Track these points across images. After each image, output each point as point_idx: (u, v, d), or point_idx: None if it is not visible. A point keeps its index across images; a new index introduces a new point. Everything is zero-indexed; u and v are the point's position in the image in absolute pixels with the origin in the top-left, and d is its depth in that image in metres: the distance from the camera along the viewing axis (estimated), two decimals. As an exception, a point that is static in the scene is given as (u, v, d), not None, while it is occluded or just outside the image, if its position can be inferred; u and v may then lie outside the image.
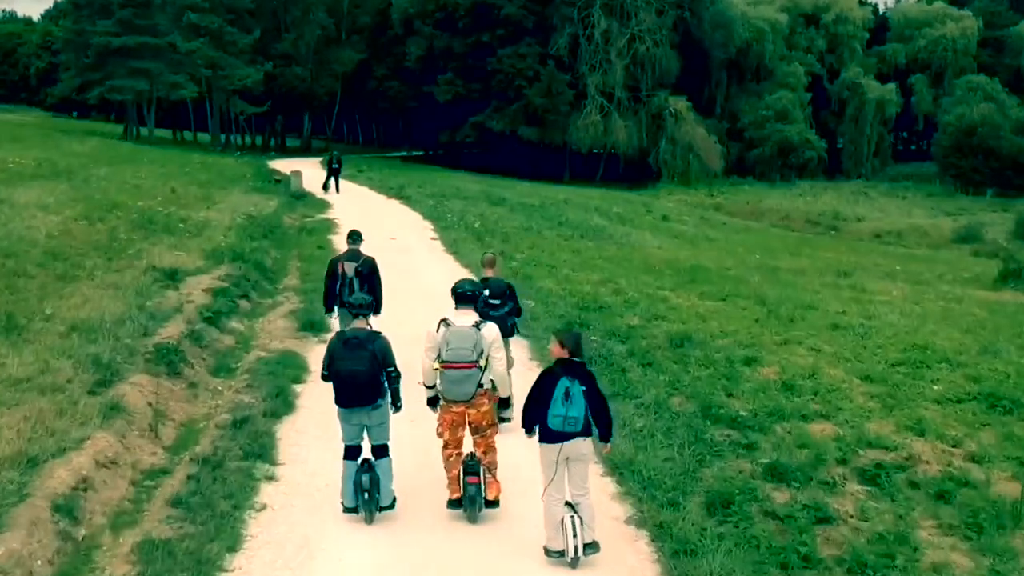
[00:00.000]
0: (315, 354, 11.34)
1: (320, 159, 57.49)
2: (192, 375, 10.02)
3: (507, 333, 8.92)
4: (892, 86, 75.19)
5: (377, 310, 9.92)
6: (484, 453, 7.43)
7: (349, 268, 10.49)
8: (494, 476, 7.45)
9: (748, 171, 69.91)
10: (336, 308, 10.63)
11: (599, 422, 6.68)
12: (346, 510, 7.22)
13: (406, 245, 21.75)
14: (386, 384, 7.11)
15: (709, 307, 16.60)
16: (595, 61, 62.24)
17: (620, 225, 32.27)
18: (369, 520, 7.20)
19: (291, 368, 10.68)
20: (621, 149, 63.05)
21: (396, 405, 7.27)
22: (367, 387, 7.00)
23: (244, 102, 57.77)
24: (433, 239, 23.56)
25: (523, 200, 38.27)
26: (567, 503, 6.66)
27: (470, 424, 7.34)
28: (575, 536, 6.51)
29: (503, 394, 7.70)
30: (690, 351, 12.78)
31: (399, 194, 35.20)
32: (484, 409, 7.33)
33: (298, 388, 10.19)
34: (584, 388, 6.50)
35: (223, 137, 64.99)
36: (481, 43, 61.78)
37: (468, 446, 7.44)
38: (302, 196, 32.70)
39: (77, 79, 51.08)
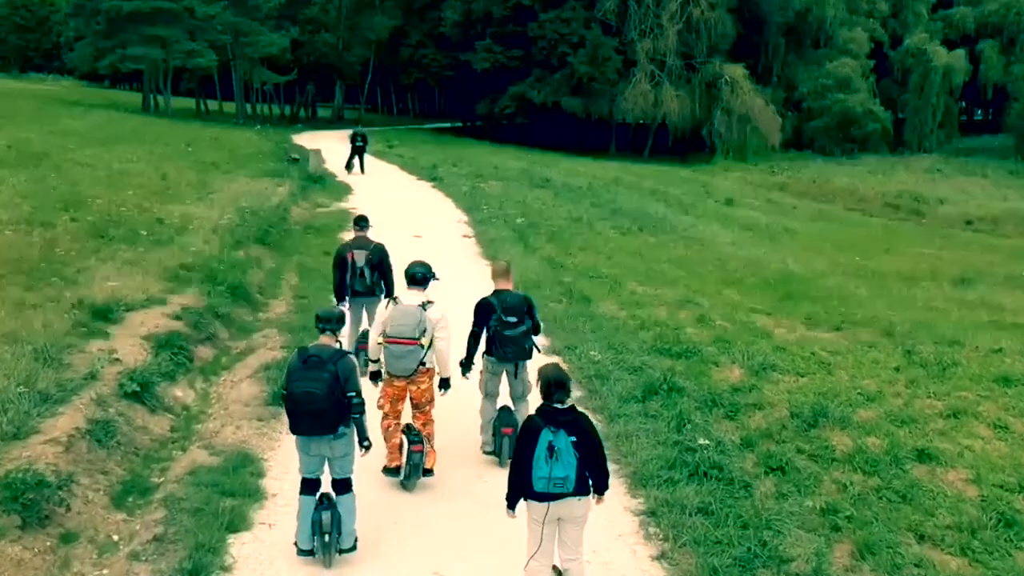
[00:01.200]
0: (281, 455, 7.61)
1: (350, 132, 54.07)
2: (70, 519, 6.27)
3: (526, 356, 8.06)
4: (960, 52, 69.52)
5: (388, 294, 9.57)
6: (423, 425, 7.60)
7: (360, 257, 9.96)
8: (432, 447, 7.64)
9: (805, 144, 65.11)
10: (348, 299, 9.90)
11: (592, 476, 5.65)
12: (300, 552, 6.29)
13: (434, 247, 17.85)
14: (351, 416, 6.21)
15: (825, 344, 12.60)
16: (645, 26, 57.48)
17: (682, 213, 28.15)
18: (328, 564, 6.32)
19: (234, 494, 6.89)
20: (672, 121, 58.40)
21: (363, 443, 6.32)
22: (325, 413, 6.09)
23: (268, 71, 53.98)
24: (467, 237, 19.71)
25: (569, 181, 34.23)
26: (554, 567, 5.84)
27: (411, 399, 7.55)
28: None
29: (443, 374, 7.56)
30: (828, 434, 8.89)
31: (431, 175, 31.37)
32: (424, 387, 7.52)
33: (237, 547, 6.38)
34: (573, 439, 5.49)
35: (248, 108, 61.42)
36: (522, 7, 57.31)
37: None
38: (320, 179, 29.00)
39: (90, 47, 47.58)
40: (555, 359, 11.18)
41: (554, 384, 5.62)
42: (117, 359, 8.83)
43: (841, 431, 9.08)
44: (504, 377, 8.14)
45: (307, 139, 45.29)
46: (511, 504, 5.72)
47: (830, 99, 65.25)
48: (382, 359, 7.50)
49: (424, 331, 7.27)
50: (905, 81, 71.96)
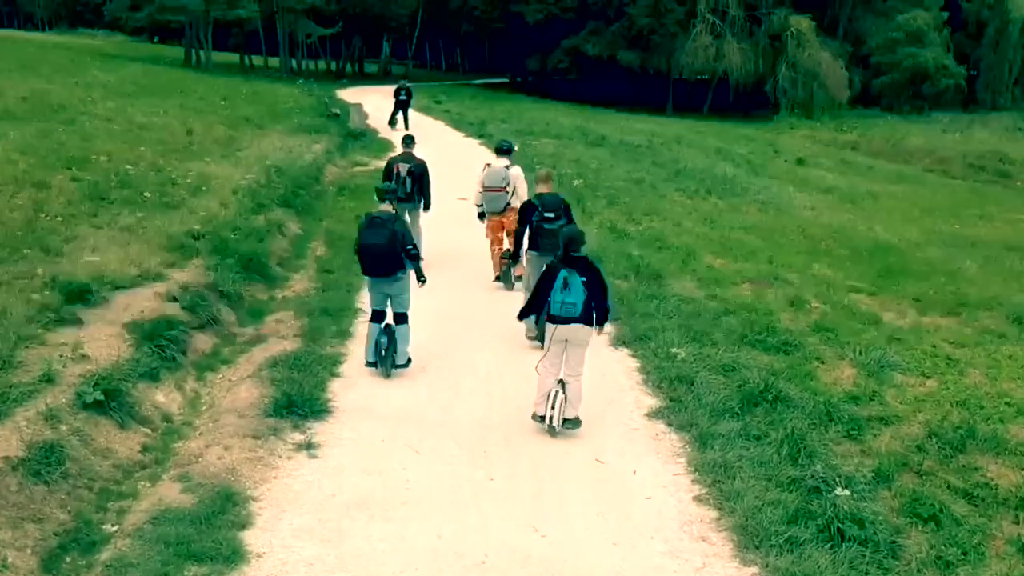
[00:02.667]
0: (275, 490, 5.81)
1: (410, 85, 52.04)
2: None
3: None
4: (1041, 3, 65.20)
5: (427, 206, 11.83)
6: (511, 242, 10.19)
7: (403, 168, 11.68)
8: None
9: (873, 101, 61.56)
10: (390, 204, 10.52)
11: (596, 307, 7.17)
12: (367, 364, 8.21)
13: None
14: (406, 261, 8.12)
15: (945, 334, 10.53)
16: (707, -27, 54.40)
17: (753, 175, 25.79)
18: (386, 375, 8.16)
19: (204, 558, 5.07)
20: (734, 76, 55.34)
21: (420, 279, 8.33)
22: (386, 259, 7.99)
23: (312, 23, 51.98)
24: (518, 200, 17.72)
25: (626, 139, 31.94)
26: (559, 380, 7.19)
27: (504, 228, 11.08)
28: (554, 407, 7.14)
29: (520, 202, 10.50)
30: (980, 462, 6.99)
31: (479, 132, 29.34)
32: (510, 219, 10.68)
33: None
34: (583, 279, 7.06)
35: (293, 63, 59.66)
36: (577, -45, 54.70)
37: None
38: (362, 134, 27.19)
39: (128, -1, 46.14)
40: (623, 352, 9.26)
41: (572, 240, 7.23)
42: (85, 355, 7.09)
43: (996, 457, 7.09)
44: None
45: (352, 94, 43.37)
46: (520, 317, 7.87)
47: (900, 54, 61.52)
48: (484, 204, 11.17)
49: (507, 183, 10.96)
50: (980, 35, 67.81)
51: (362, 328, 9.02)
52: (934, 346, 9.95)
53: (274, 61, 59.14)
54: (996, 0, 66.36)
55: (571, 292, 6.99)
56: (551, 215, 9.22)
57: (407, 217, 10.99)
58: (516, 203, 10.67)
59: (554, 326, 7.15)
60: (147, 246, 10.13)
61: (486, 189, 10.97)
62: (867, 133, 47.14)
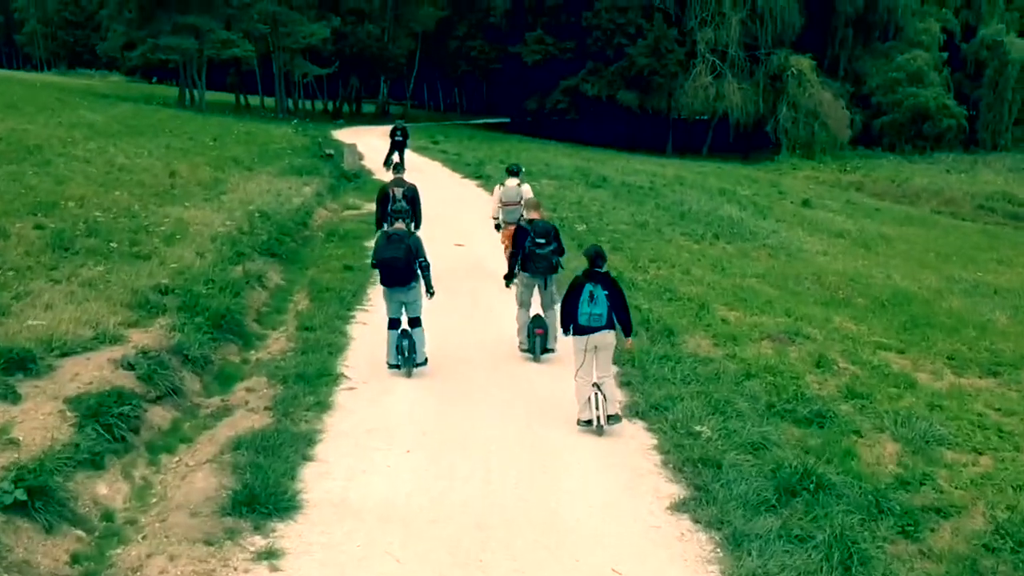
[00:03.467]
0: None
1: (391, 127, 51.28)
2: None
3: (552, 270, 10.11)
4: (1038, 45, 65.06)
5: (418, 225, 12.12)
6: None
7: (398, 192, 12.18)
8: (528, 210, 10.79)
9: (874, 141, 60.95)
10: (386, 226, 11.14)
11: (620, 319, 8.02)
12: (390, 367, 9.23)
13: (479, 259, 15.06)
14: (419, 272, 9.18)
15: (988, 398, 9.67)
16: (706, 14, 54.00)
17: (759, 217, 24.91)
18: (408, 374, 9.17)
19: None
20: (734, 116, 54.83)
21: (429, 291, 9.30)
22: (403, 271, 9.08)
23: (308, 63, 51.41)
24: (517, 246, 16.76)
25: (627, 180, 31.17)
26: (594, 384, 7.89)
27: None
28: (598, 408, 7.86)
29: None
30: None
31: (476, 173, 28.53)
32: None
33: None
34: (606, 292, 7.83)
35: (289, 103, 59.14)
36: (576, -5, 54.39)
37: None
38: (355, 176, 26.32)
39: (122, 38, 45.38)
40: (638, 426, 8.25)
41: (596, 256, 8.04)
42: (12, 440, 6.07)
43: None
44: (536, 291, 10.12)
45: (348, 134, 42.69)
46: (566, 331, 8.17)
47: (901, 93, 61.12)
48: (500, 216, 12.83)
49: (521, 197, 12.44)
50: (979, 75, 67.51)
51: (343, 397, 8.10)
52: (980, 415, 8.96)
53: (270, 101, 58.66)
54: (994, 41, 66.18)
55: (597, 304, 7.74)
56: (542, 240, 9.93)
57: None
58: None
59: (584, 336, 7.86)
60: (107, 303, 9.13)
61: (504, 204, 12.81)
62: (871, 173, 46.48)
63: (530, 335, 9.97)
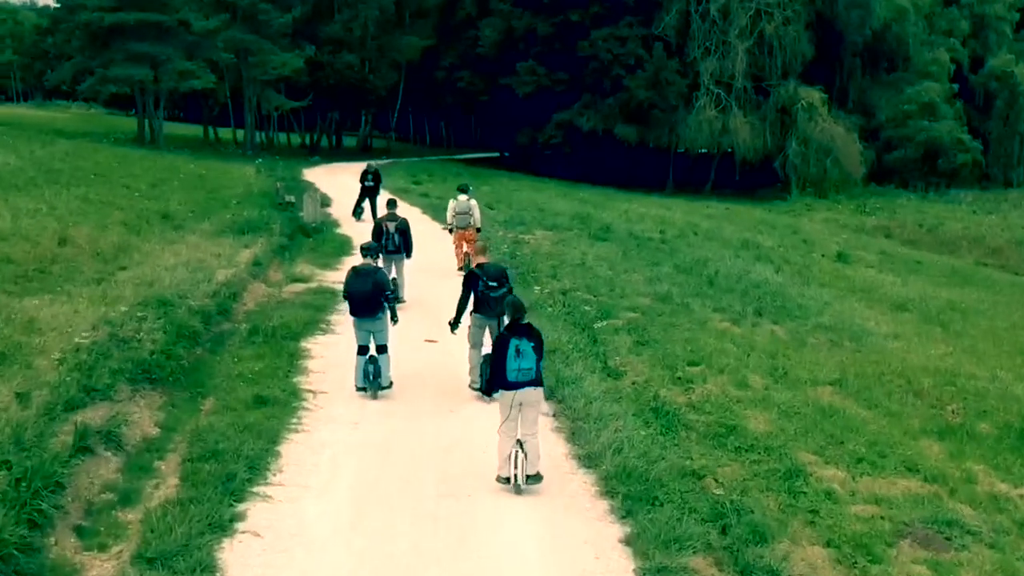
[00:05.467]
0: None
1: (386, 163, 46.94)
2: None
3: (504, 313, 9.44)
4: (1048, 76, 61.96)
5: (409, 254, 14.48)
6: (472, 249, 12.71)
7: (391, 226, 14.17)
8: (476, 255, 11.07)
9: (885, 177, 57.37)
10: (382, 256, 12.88)
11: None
12: (358, 389, 10.01)
13: (456, 366, 10.89)
14: (385, 304, 9.97)
15: None
16: (710, 43, 50.27)
17: (798, 280, 20.81)
18: (374, 396, 9.91)
19: None
20: (740, 151, 50.98)
21: (394, 319, 10.22)
22: (370, 302, 9.88)
23: (279, 96, 47.35)
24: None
25: (634, 229, 27.14)
26: (517, 440, 7.69)
27: (465, 240, 16.34)
28: (517, 467, 7.64)
29: (477, 225, 16.96)
30: None
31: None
32: (471, 235, 16.38)
33: None
34: (532, 344, 7.68)
35: (261, 137, 55.08)
36: (570, 23, 50.46)
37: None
38: (317, 230, 22.19)
39: (71, 68, 41.23)
40: None
41: (518, 308, 7.94)
42: None
43: None
44: (487, 331, 10.26)
45: (321, 173, 38.61)
46: (488, 392, 8.33)
47: (913, 127, 57.72)
48: (454, 222, 16.77)
49: (471, 209, 16.79)
50: (988, 107, 64.45)
51: None
52: None
53: (243, 134, 54.58)
54: (1004, 72, 63.17)
55: (525, 358, 7.61)
56: (494, 284, 10.11)
57: (393, 266, 14.16)
58: (475, 223, 16.96)
59: (512, 392, 7.67)
60: None
61: (458, 213, 16.66)
62: (894, 216, 42.64)
63: (482, 375, 9.80)
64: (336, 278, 16.30)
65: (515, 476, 7.60)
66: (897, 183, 56.62)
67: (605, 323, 14.03)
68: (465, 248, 16.26)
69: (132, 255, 14.36)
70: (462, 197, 16.81)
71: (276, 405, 8.94)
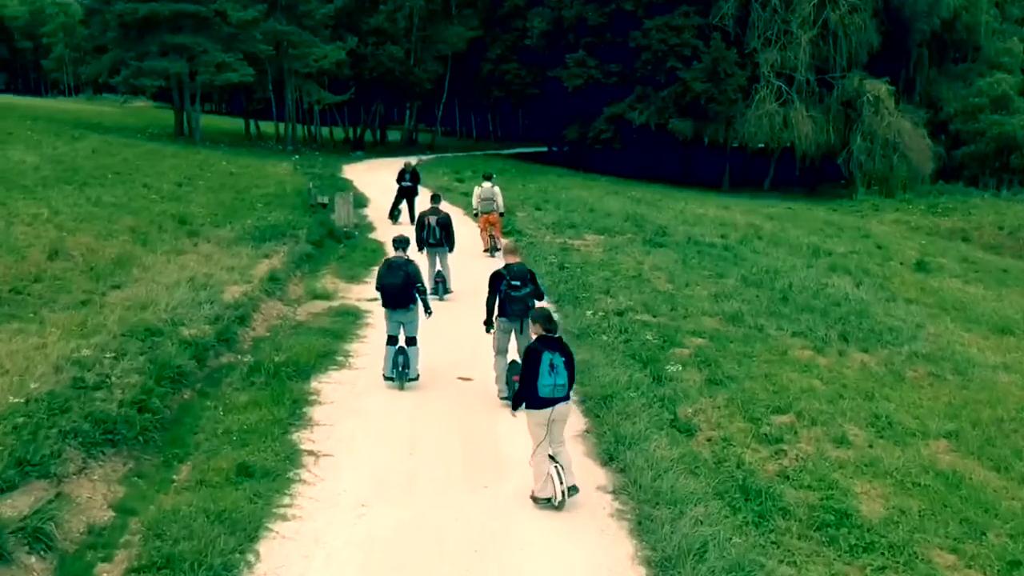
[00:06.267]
0: None
1: (430, 158, 45.14)
2: None
3: (526, 314, 9.51)
4: (1123, 66, 58.11)
5: (451, 248, 14.64)
6: (496, 231, 18.05)
7: (432, 220, 14.32)
8: (500, 236, 17.20)
9: (953, 175, 54.15)
10: (425, 249, 14.29)
11: (569, 384, 7.48)
12: (386, 379, 10.15)
13: (497, 411, 9.04)
14: (416, 296, 10.12)
15: None
16: (771, 33, 47.70)
17: (881, 294, 18.56)
18: (401, 387, 10.09)
19: None
20: (801, 147, 48.28)
21: (427, 311, 10.31)
22: (401, 295, 10.04)
23: (320, 89, 45.77)
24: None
25: (692, 232, 24.99)
26: (549, 456, 7.39)
27: (490, 223, 18.17)
28: (562, 483, 7.30)
29: (500, 209, 18.45)
30: None
31: (505, 225, 22.49)
32: (494, 216, 18.18)
33: None
34: (564, 359, 7.32)
35: (303, 131, 53.69)
36: (622, 13, 48.24)
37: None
38: (349, 235, 20.50)
39: (108, 61, 40.07)
40: None
41: (547, 319, 7.51)
42: None
43: None
44: (512, 336, 9.98)
45: (362, 170, 37.05)
46: (515, 407, 7.67)
47: (984, 121, 54.42)
48: (480, 208, 18.27)
49: (495, 195, 18.05)
50: (1057, 98, 60.78)
51: None
52: None
53: (288, 127, 53.17)
54: (1076, 61, 59.57)
55: (559, 374, 7.24)
56: (518, 283, 9.83)
57: (437, 258, 14.70)
58: (499, 208, 18.42)
59: (547, 410, 7.29)
60: None
61: (483, 199, 18.18)
62: (969, 217, 39.81)
63: (508, 383, 9.71)
64: (363, 294, 14.56)
65: (560, 493, 7.29)
66: (966, 181, 53.52)
67: (670, 351, 12.08)
68: (491, 231, 18.24)
69: (131, 269, 12.70)
70: (486, 184, 18.22)
71: (264, 477, 7.12)
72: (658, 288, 16.35)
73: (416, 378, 10.10)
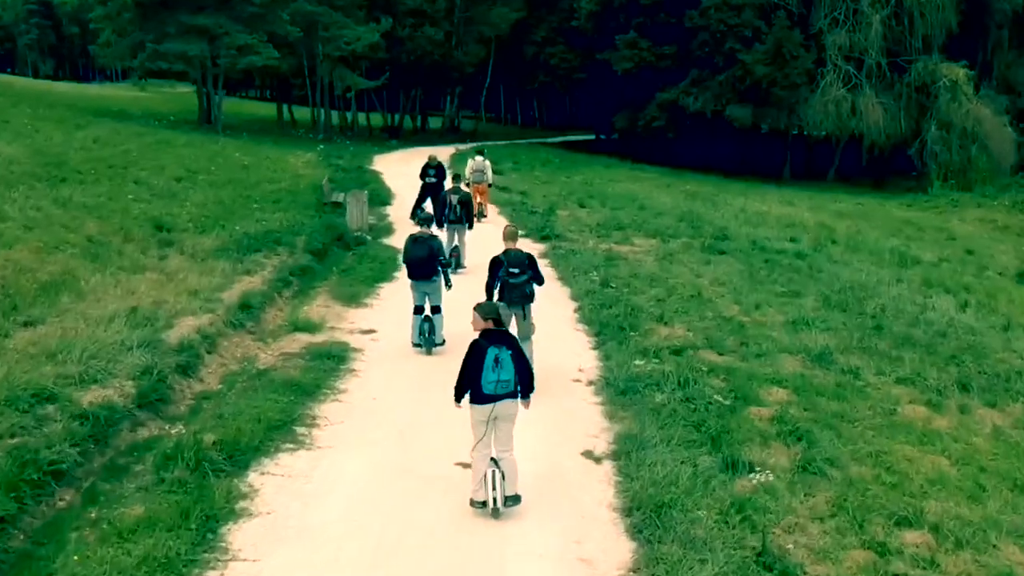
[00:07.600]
0: None
1: (468, 147, 42.30)
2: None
3: (528, 299, 10.10)
4: None
5: (471, 226, 15.62)
6: (484, 199, 20.71)
7: (454, 199, 15.21)
8: (487, 204, 20.61)
9: (1030, 167, 49.99)
10: (445, 226, 14.92)
11: (522, 382, 7.13)
12: (414, 345, 10.86)
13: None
14: (439, 268, 10.80)
15: None
16: (839, 13, 44.07)
17: (993, 318, 15.40)
18: (428, 352, 10.74)
19: None
20: (870, 136, 44.62)
21: (448, 285, 10.97)
22: (426, 266, 10.72)
23: (352, 74, 43.13)
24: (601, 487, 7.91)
25: (756, 233, 22.00)
26: (492, 459, 7.00)
27: (479, 192, 20.08)
28: (495, 488, 6.90)
29: (489, 181, 20.83)
30: None
31: (542, 227, 19.81)
32: (484, 188, 20.53)
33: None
34: (511, 352, 6.97)
35: (340, 118, 51.23)
36: (677, -10, 45.01)
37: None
38: (360, 240, 17.85)
39: (125, 44, 37.83)
40: None
41: (500, 314, 7.22)
42: None
43: None
44: (514, 321, 9.68)
45: (394, 160, 34.40)
46: (457, 399, 7.17)
47: (1067, 110, 50.12)
48: (471, 179, 20.04)
49: (485, 168, 20.52)
50: None
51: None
52: None
53: (319, 114, 50.72)
54: None
55: (504, 369, 6.94)
56: (516, 270, 9.92)
57: (456, 234, 15.31)
58: (488, 180, 20.78)
59: (490, 406, 6.99)
60: None
61: (474, 171, 20.27)
62: (1060, 215, 35.99)
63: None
64: (360, 322, 11.86)
65: (493, 499, 6.90)
66: (1046, 173, 49.42)
67: (745, 413, 9.19)
68: (478, 199, 19.82)
69: (63, 296, 10.12)
70: (479, 158, 20.72)
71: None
72: (722, 312, 13.41)
73: (443, 343, 10.74)
